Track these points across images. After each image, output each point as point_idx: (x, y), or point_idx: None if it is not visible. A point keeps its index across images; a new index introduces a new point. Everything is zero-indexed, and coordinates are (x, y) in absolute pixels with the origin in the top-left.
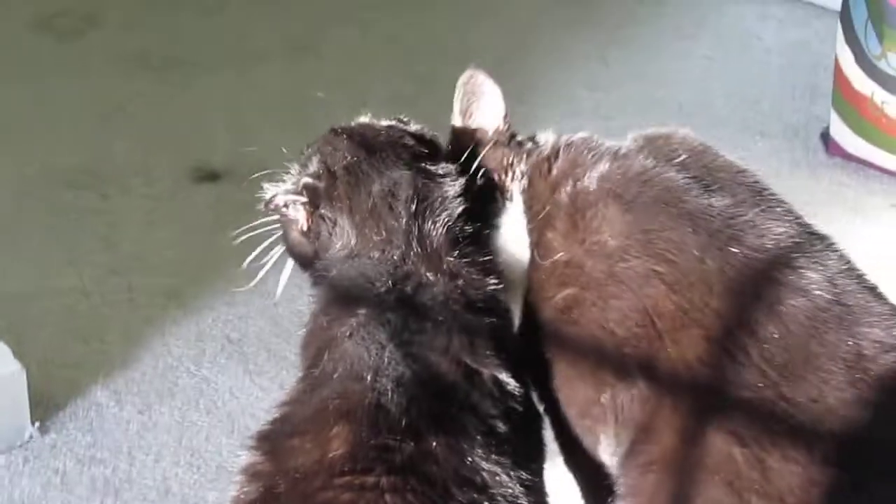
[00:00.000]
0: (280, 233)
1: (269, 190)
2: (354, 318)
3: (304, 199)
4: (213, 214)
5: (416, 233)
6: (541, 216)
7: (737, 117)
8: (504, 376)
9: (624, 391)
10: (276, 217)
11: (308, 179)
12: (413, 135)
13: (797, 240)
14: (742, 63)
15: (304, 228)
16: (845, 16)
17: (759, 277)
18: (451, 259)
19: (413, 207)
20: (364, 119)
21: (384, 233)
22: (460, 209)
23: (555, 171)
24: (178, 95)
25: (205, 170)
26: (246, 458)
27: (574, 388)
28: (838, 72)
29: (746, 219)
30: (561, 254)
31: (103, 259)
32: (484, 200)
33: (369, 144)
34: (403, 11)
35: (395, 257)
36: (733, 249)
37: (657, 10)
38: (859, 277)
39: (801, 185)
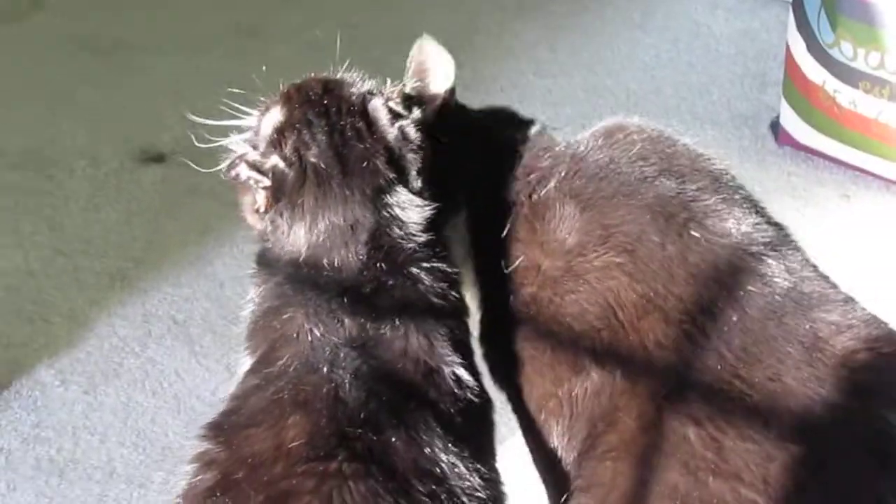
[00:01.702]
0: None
1: (234, 150)
2: (309, 317)
3: (268, 184)
4: (159, 196)
5: (373, 250)
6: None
7: (686, 106)
8: (464, 374)
9: (579, 384)
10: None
11: (279, 163)
12: (388, 148)
13: (757, 226)
14: (691, 52)
15: (261, 210)
16: (797, 4)
17: (720, 262)
18: (408, 268)
19: (368, 247)
20: (349, 81)
21: (336, 259)
22: (419, 228)
23: (517, 185)
24: (124, 78)
25: (150, 152)
26: (197, 446)
27: (533, 385)
28: (789, 60)
29: (706, 203)
30: (521, 258)
31: (49, 240)
32: (441, 207)
33: (344, 158)
34: None
35: (347, 269)
36: (694, 233)
37: None
38: (814, 266)
39: (750, 174)
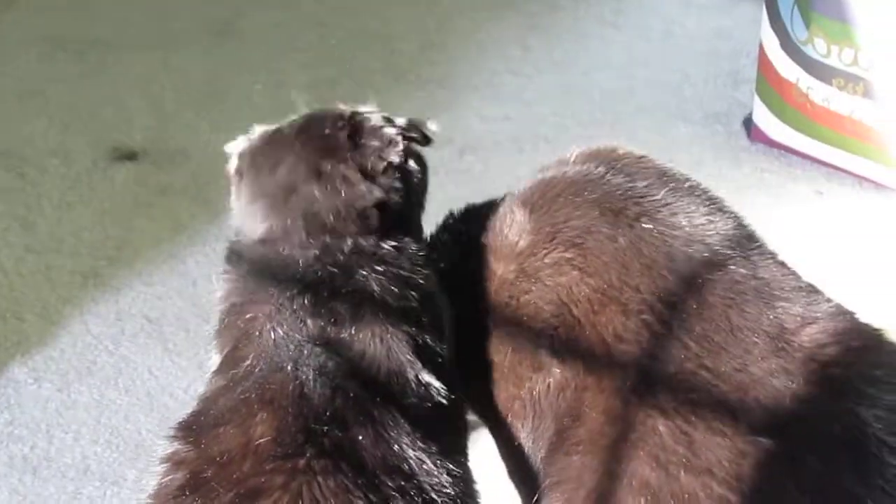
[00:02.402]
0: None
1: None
2: (272, 314)
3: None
4: (131, 194)
5: (327, 250)
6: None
7: (659, 104)
8: (427, 377)
9: (540, 382)
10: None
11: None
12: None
13: (710, 217)
14: (664, 50)
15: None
16: (771, 1)
17: (675, 253)
18: (364, 270)
19: (323, 248)
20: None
21: (293, 256)
22: (376, 232)
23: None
24: (96, 77)
25: (123, 150)
26: (166, 447)
27: (498, 389)
28: (762, 57)
29: (656, 198)
30: (479, 268)
31: (21, 238)
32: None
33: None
34: None
35: (305, 267)
36: (645, 225)
37: None
38: (773, 255)
39: (723, 171)
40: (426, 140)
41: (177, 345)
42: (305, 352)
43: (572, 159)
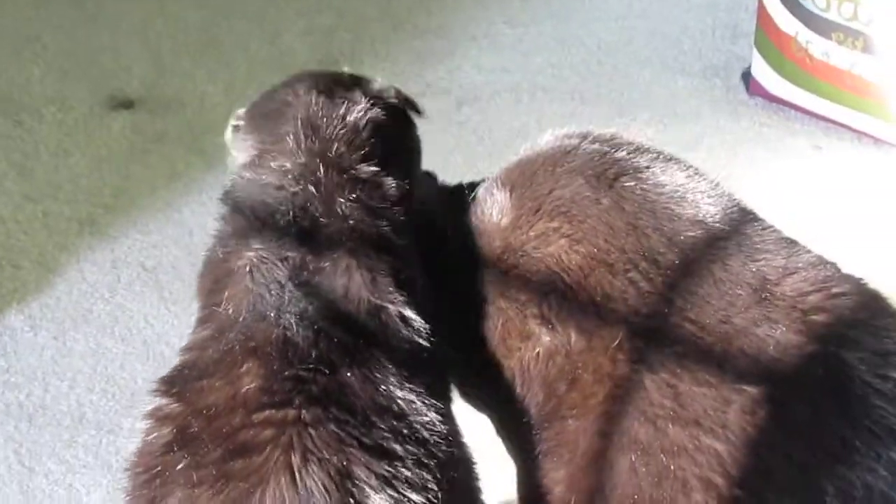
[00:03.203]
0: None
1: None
2: (252, 253)
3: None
4: (128, 142)
5: (318, 174)
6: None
7: (657, 57)
8: (409, 312)
9: (529, 350)
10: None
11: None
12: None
13: (689, 178)
14: (663, 2)
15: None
16: None
17: (657, 209)
18: (348, 201)
19: (307, 180)
20: None
21: (275, 191)
22: (358, 162)
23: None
24: (93, 24)
25: (119, 98)
26: (151, 402)
27: (489, 355)
28: (762, 11)
29: (636, 161)
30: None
31: (18, 186)
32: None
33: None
34: None
35: (286, 201)
36: (627, 183)
37: None
38: (752, 212)
39: (721, 125)
40: (417, 113)
41: (173, 293)
42: (287, 297)
43: (545, 140)
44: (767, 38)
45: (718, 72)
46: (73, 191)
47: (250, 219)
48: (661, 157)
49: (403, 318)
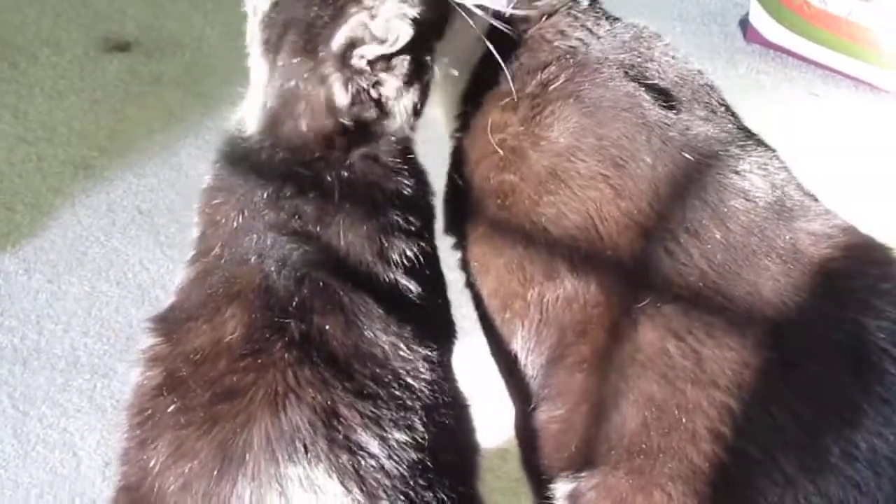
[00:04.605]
0: None
1: None
2: (237, 197)
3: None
4: (123, 85)
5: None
6: (505, 100)
7: (654, 2)
8: (396, 256)
9: (551, 290)
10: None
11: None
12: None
13: (741, 143)
14: None
15: None
16: None
17: (707, 182)
18: (339, 138)
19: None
20: None
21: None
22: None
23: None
24: None
25: (115, 40)
26: (145, 340)
27: (499, 279)
28: None
29: (701, 130)
30: (508, 135)
31: (12, 128)
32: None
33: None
34: None
35: (278, 147)
36: (686, 156)
37: None
38: (797, 181)
39: (719, 71)
40: None
41: (168, 237)
42: (269, 243)
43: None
44: None
45: (716, 18)
46: (68, 133)
47: (238, 160)
48: (720, 114)
49: (393, 259)
